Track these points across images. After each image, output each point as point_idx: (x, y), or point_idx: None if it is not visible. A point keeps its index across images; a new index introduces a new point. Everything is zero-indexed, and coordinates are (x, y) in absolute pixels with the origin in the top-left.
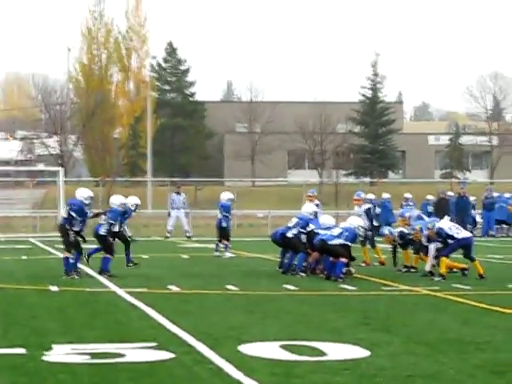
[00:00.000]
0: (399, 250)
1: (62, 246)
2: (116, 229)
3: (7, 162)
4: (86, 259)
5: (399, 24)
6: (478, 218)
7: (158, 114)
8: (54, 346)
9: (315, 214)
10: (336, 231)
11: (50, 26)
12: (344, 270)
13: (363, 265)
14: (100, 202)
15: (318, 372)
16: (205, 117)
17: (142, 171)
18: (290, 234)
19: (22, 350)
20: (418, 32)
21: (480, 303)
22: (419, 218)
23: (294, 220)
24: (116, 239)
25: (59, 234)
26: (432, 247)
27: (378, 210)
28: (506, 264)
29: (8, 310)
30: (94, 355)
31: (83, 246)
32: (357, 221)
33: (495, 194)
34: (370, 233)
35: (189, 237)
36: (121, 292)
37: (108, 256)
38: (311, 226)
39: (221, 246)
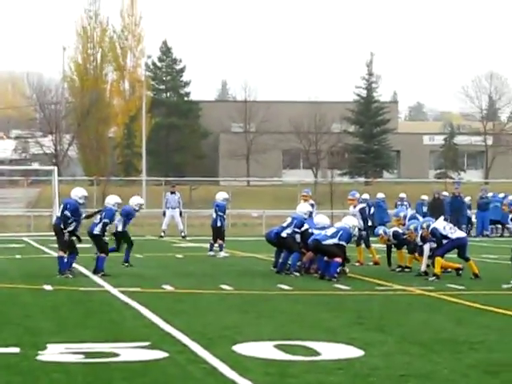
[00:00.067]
0: (393, 249)
1: (56, 246)
2: (120, 228)
3: (1, 161)
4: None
5: (394, 24)
6: (474, 218)
7: (153, 114)
8: (47, 345)
9: (310, 214)
10: (330, 231)
11: (45, 25)
12: (338, 269)
13: (357, 264)
14: (94, 202)
15: (312, 372)
16: (200, 116)
17: (136, 170)
18: (284, 234)
19: (15, 350)
20: (414, 32)
21: (474, 303)
22: (414, 217)
23: (289, 220)
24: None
25: (53, 234)
26: (426, 247)
27: (372, 210)
28: (501, 264)
29: (2, 309)
30: (87, 354)
31: (78, 245)
32: (352, 221)
33: (490, 194)
34: (364, 232)
35: (183, 236)
36: (115, 291)
37: (102, 255)
38: (306, 226)
39: (215, 245)
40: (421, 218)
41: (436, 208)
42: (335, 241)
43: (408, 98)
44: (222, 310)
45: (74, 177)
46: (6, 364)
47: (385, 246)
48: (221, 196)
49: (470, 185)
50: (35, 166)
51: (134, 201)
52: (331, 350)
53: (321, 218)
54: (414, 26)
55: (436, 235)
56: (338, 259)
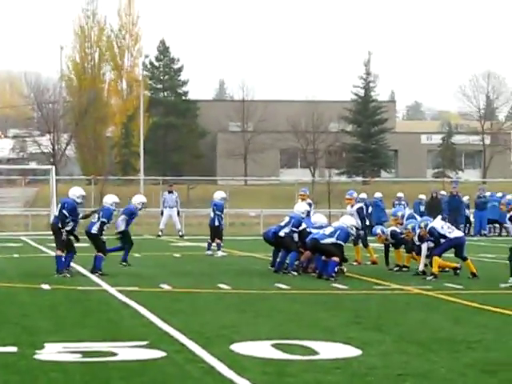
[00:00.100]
0: (391, 249)
1: (53, 245)
2: (123, 228)
3: None
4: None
5: (392, 23)
6: (472, 218)
7: (151, 113)
8: (45, 344)
9: (307, 213)
10: (328, 230)
11: (43, 25)
12: (336, 268)
13: (355, 264)
14: (92, 201)
15: (310, 371)
16: (197, 115)
17: (134, 170)
18: (282, 233)
19: (13, 349)
20: (411, 31)
21: (472, 302)
22: (411, 217)
23: (286, 219)
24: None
25: (51, 233)
26: (424, 247)
27: (370, 210)
28: (498, 263)
29: None
30: (85, 354)
31: (76, 244)
32: (349, 220)
33: (487, 194)
34: (361, 232)
35: (181, 235)
36: (112, 290)
37: (100, 254)
38: (303, 225)
39: (213, 244)
40: (418, 218)
41: (434, 207)
42: (333, 240)
43: (406, 98)
44: (219, 309)
45: (71, 176)
46: (4, 363)
47: (382, 245)
48: (219, 195)
49: (468, 184)
50: (33, 165)
51: (137, 199)
52: (329, 350)
53: (318, 217)
54: (411, 25)
55: (434, 234)
56: (336, 258)
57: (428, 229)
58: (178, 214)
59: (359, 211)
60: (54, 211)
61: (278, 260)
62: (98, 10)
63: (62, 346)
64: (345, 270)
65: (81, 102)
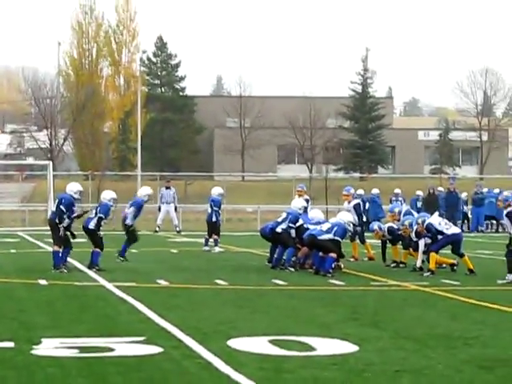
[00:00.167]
0: (388, 245)
1: (50, 240)
2: (130, 222)
3: None
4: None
5: (390, 19)
6: (470, 214)
7: (148, 109)
8: (42, 339)
9: (305, 209)
10: (326, 226)
11: (41, 20)
12: (333, 265)
13: (352, 260)
14: (90, 196)
15: (307, 367)
16: (195, 111)
17: (131, 165)
18: (279, 229)
19: (10, 344)
20: (409, 27)
21: (469, 299)
22: (408, 213)
23: (284, 215)
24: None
25: (48, 228)
26: (421, 243)
27: (367, 206)
28: (495, 260)
29: None
30: (82, 349)
31: (73, 240)
32: (347, 216)
33: (485, 190)
34: (358, 228)
35: (178, 231)
36: (110, 286)
37: (97, 250)
38: (301, 221)
39: (210, 240)
40: (416, 214)
41: (431, 203)
42: (330, 236)
43: (403, 94)
44: (216, 304)
45: (68, 172)
46: (1, 359)
47: (379, 241)
48: (216, 191)
49: (465, 180)
50: (30, 160)
51: (143, 192)
52: (326, 346)
53: (315, 213)
54: (409, 21)
55: (431, 231)
56: (333, 255)
57: (425, 225)
58: (176, 209)
59: (356, 207)
60: (51, 207)
61: (275, 256)
62: (96, 6)
63: (59, 341)
64: (342, 266)
65: (78, 98)
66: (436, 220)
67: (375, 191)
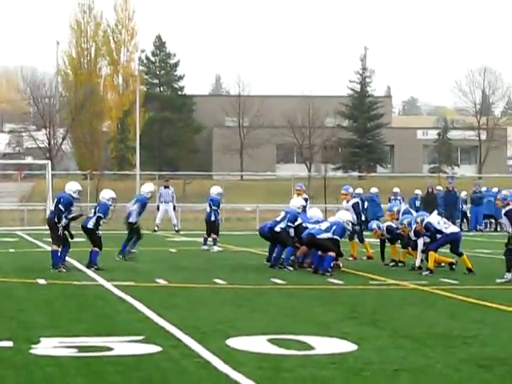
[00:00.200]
0: (387, 244)
1: (49, 240)
2: (135, 219)
3: None
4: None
5: (388, 18)
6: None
7: (147, 108)
8: (41, 339)
9: (303, 208)
10: (324, 225)
11: (39, 19)
12: (332, 264)
13: (351, 259)
14: (88, 196)
15: (306, 366)
16: (193, 110)
17: (130, 165)
18: (278, 228)
19: (9, 343)
20: (407, 26)
21: (467, 297)
22: (407, 212)
23: (282, 214)
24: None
25: (47, 228)
26: (420, 242)
27: (366, 205)
28: (494, 258)
29: None
30: (81, 348)
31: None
32: (346, 215)
33: (483, 189)
34: (357, 227)
35: (177, 230)
36: (108, 285)
37: (96, 249)
38: (299, 220)
39: (209, 239)
40: (414, 213)
41: (429, 202)
42: (329, 235)
43: (402, 93)
44: (215, 304)
45: (67, 171)
46: (0, 358)
47: (378, 240)
48: (215, 190)
49: (464, 179)
50: (29, 160)
51: (146, 189)
52: (325, 345)
53: (314, 212)
54: (408, 20)
55: (430, 230)
56: (332, 254)
57: (424, 224)
58: (174, 208)
59: (355, 206)
60: (50, 206)
61: (273, 255)
62: (95, 5)
63: (57, 340)
64: (341, 265)
65: (77, 97)
66: (435, 219)
67: (374, 190)
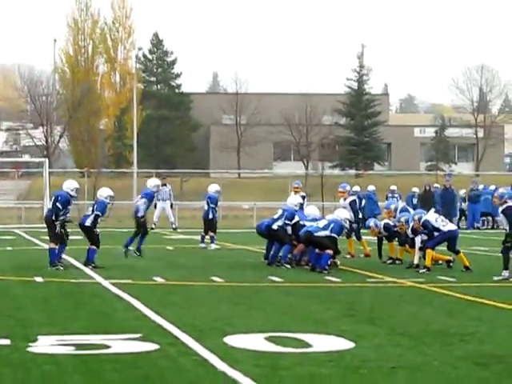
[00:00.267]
0: (384, 242)
1: (47, 237)
2: (142, 213)
3: None
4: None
5: (385, 16)
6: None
7: (144, 106)
8: (38, 336)
9: (301, 206)
10: (322, 223)
11: (36, 17)
12: (329, 261)
13: (348, 256)
14: (85, 194)
15: (303, 364)
16: (191, 108)
17: (127, 162)
18: (275, 226)
19: (6, 341)
20: (405, 24)
21: (465, 295)
22: (404, 210)
23: (280, 212)
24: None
25: (45, 226)
26: (418, 239)
27: (363, 203)
28: (491, 256)
29: None
30: (78, 346)
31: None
32: (343, 213)
33: (480, 187)
34: (355, 225)
35: (174, 228)
36: (106, 283)
37: (93, 247)
38: (297, 218)
39: (207, 237)
40: (412, 211)
41: (427, 200)
42: (327, 233)
43: (399, 91)
44: (212, 302)
45: (64, 169)
46: None
47: (376, 238)
48: (213, 188)
49: (461, 177)
50: (26, 157)
51: (151, 183)
52: (322, 342)
53: (311, 210)
54: (405, 18)
55: (428, 227)
56: (330, 251)
57: (422, 222)
58: (172, 206)
59: (352, 204)
60: (47, 204)
61: (271, 253)
62: (92, 3)
63: (55, 338)
64: (338, 262)
65: (74, 95)
66: (432, 217)
67: (371, 188)
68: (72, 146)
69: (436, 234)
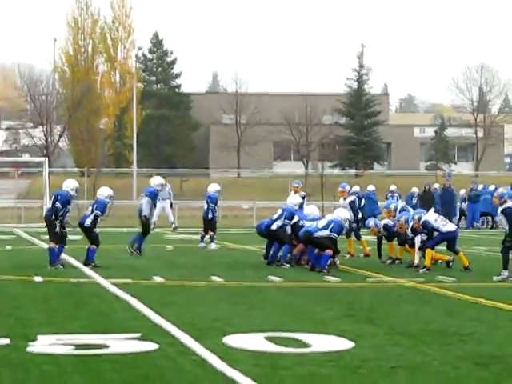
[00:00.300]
0: (384, 241)
1: (46, 237)
2: (147, 212)
3: None
4: (131, 252)
5: (385, 16)
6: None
7: (144, 105)
8: (38, 336)
9: (300, 206)
10: (322, 223)
11: (36, 17)
12: (328, 261)
13: (348, 256)
14: (85, 193)
15: (303, 364)
16: (191, 108)
17: (127, 162)
18: (275, 226)
19: (6, 341)
20: (405, 24)
21: (464, 295)
22: (404, 209)
23: (279, 211)
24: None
25: (44, 225)
26: (418, 239)
27: (363, 202)
28: (491, 256)
29: None
30: (78, 346)
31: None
32: (343, 213)
33: (480, 187)
34: (354, 225)
35: (174, 228)
36: (105, 283)
37: (93, 247)
38: (296, 218)
39: (206, 237)
40: (411, 210)
41: (426, 200)
42: (327, 232)
43: (399, 90)
44: (212, 301)
45: (64, 168)
46: None
47: (375, 237)
48: (213, 188)
49: (461, 177)
50: (26, 157)
51: (155, 181)
52: (322, 342)
53: (311, 209)
54: (405, 18)
55: (427, 227)
56: (329, 251)
57: (422, 222)
58: (171, 206)
59: (352, 204)
60: (47, 203)
61: (270, 252)
62: (92, 2)
63: (54, 338)
64: (337, 262)
65: (74, 94)
66: (432, 217)
67: (371, 188)
68: (72, 145)
69: (436, 233)
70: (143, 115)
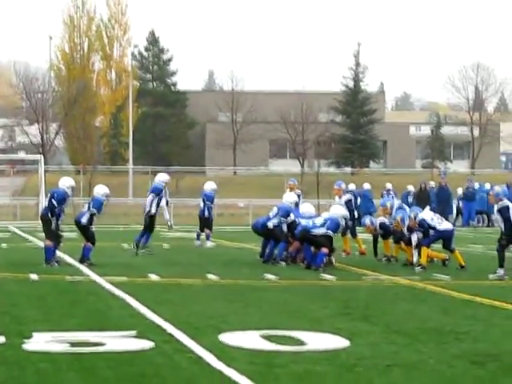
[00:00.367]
0: (380, 239)
1: (42, 235)
2: (153, 210)
3: None
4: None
5: (381, 14)
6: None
7: (140, 103)
8: (33, 333)
9: (296, 204)
10: (318, 221)
11: (32, 14)
12: (324, 259)
13: (343, 254)
14: (81, 191)
15: (299, 362)
16: (186, 106)
17: (123, 160)
18: (270, 224)
19: (1, 338)
20: (401, 22)
21: (460, 293)
22: (400, 208)
23: (274, 209)
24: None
25: (40, 223)
26: (414, 237)
27: (358, 200)
28: (487, 254)
29: None
30: (73, 344)
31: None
32: (340, 210)
33: (476, 185)
34: (350, 222)
35: (170, 226)
36: (101, 281)
37: (89, 244)
38: (292, 216)
39: (202, 235)
40: (407, 209)
41: (422, 199)
42: (323, 230)
43: (395, 88)
44: (208, 299)
45: (60, 166)
46: None
47: (371, 235)
48: (209, 186)
49: (457, 175)
50: (21, 154)
51: (161, 178)
52: (317, 340)
53: (307, 207)
54: (401, 16)
55: (424, 226)
56: (325, 250)
57: (418, 220)
58: (167, 204)
59: (348, 203)
60: (43, 201)
61: (266, 250)
62: (88, 0)
63: (49, 335)
64: (333, 260)
65: (70, 92)
66: (428, 215)
67: (367, 186)
68: (67, 143)
69: (431, 232)
70: (139, 113)
